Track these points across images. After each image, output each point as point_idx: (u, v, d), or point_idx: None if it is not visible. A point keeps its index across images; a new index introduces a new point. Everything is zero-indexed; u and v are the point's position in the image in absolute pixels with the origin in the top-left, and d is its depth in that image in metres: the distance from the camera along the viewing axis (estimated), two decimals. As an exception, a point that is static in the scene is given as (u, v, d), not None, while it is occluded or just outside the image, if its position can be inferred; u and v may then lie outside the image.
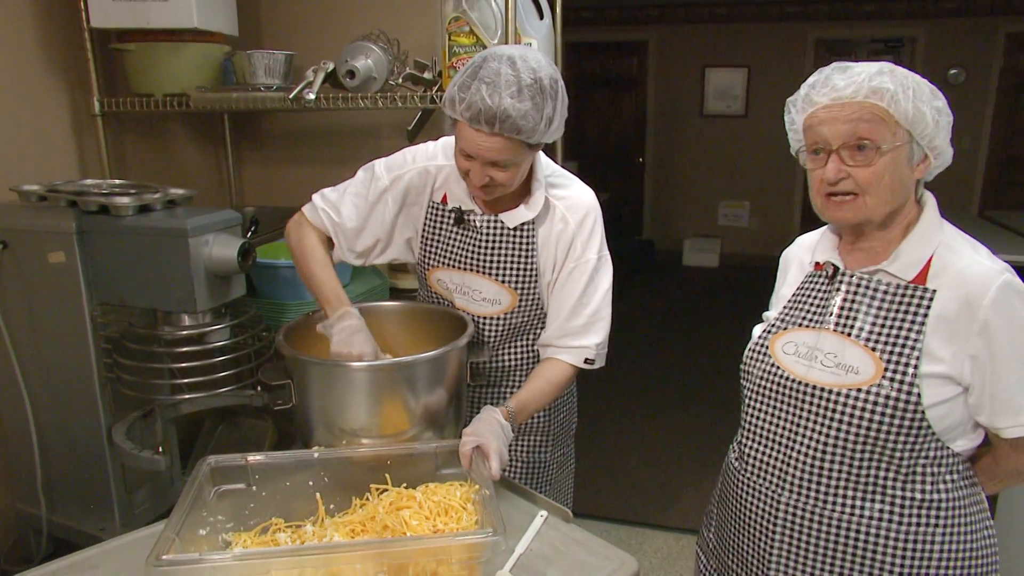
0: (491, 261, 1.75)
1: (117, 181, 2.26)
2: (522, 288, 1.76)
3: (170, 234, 1.91)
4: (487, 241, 1.75)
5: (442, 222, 1.79)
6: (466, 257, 1.77)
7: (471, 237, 1.76)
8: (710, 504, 1.71)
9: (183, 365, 2.02)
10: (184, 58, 2.49)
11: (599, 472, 4.02)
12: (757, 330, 1.57)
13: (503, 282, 1.76)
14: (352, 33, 2.41)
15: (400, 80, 2.38)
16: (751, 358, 1.54)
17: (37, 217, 2.01)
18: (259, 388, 1.94)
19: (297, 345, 1.61)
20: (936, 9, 7.65)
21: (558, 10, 2.61)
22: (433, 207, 1.80)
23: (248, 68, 2.45)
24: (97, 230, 1.98)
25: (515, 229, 1.73)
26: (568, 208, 1.75)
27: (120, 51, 2.51)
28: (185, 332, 2.02)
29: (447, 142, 1.77)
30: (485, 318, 1.80)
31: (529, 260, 1.74)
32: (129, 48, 2.48)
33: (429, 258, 1.82)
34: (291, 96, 2.31)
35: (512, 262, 1.75)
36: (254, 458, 1.46)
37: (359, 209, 1.78)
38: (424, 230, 1.82)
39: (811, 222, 1.42)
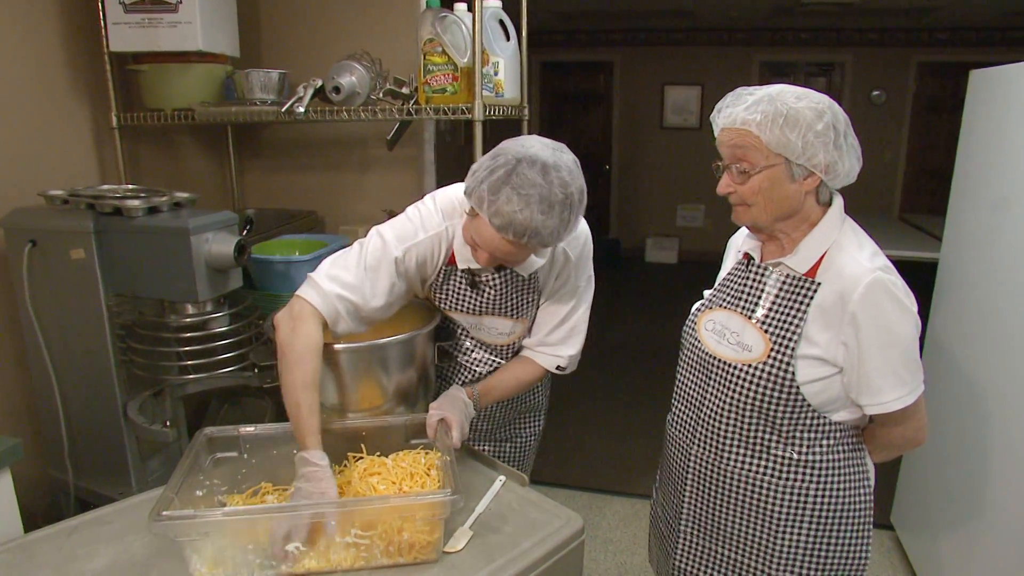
0: (505, 305, 1.64)
1: (130, 186, 2.25)
2: (530, 315, 1.70)
3: (174, 232, 1.91)
4: (501, 290, 1.62)
5: (452, 278, 1.63)
6: (480, 305, 1.65)
7: (484, 291, 1.63)
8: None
9: (188, 349, 2.01)
10: (190, 77, 2.47)
11: (567, 445, 4.03)
12: (695, 306, 1.61)
13: (516, 318, 1.68)
14: (339, 53, 2.39)
15: (381, 95, 2.36)
16: (684, 331, 1.59)
17: (61, 218, 2.00)
18: (256, 370, 1.94)
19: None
20: (860, 39, 7.70)
21: (524, 33, 2.59)
22: (443, 267, 1.63)
23: (246, 85, 2.42)
24: (112, 229, 1.96)
25: (528, 276, 1.63)
26: (568, 243, 1.63)
27: (135, 71, 2.49)
28: (189, 320, 2.01)
29: (444, 202, 1.58)
30: (500, 346, 1.73)
31: (536, 294, 1.67)
32: (143, 69, 2.46)
33: (442, 303, 1.68)
34: (283, 110, 2.30)
35: (524, 302, 1.66)
36: (245, 430, 1.46)
37: (380, 285, 1.51)
38: (435, 283, 1.65)
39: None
